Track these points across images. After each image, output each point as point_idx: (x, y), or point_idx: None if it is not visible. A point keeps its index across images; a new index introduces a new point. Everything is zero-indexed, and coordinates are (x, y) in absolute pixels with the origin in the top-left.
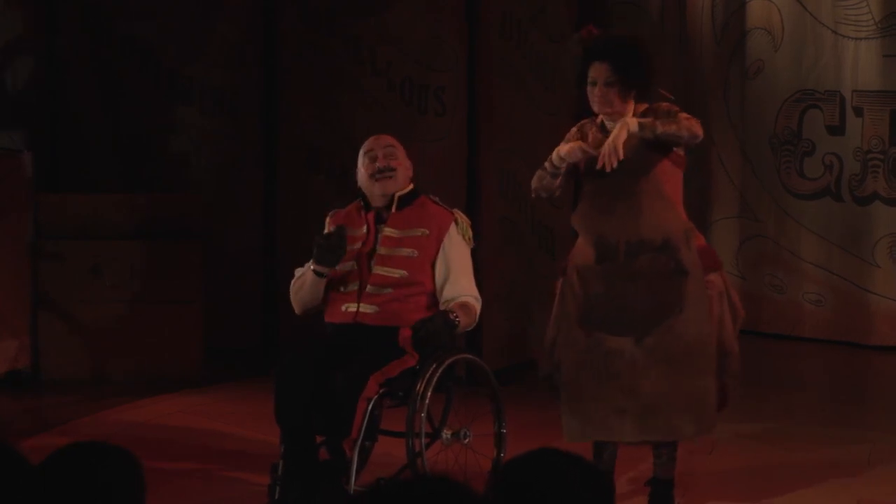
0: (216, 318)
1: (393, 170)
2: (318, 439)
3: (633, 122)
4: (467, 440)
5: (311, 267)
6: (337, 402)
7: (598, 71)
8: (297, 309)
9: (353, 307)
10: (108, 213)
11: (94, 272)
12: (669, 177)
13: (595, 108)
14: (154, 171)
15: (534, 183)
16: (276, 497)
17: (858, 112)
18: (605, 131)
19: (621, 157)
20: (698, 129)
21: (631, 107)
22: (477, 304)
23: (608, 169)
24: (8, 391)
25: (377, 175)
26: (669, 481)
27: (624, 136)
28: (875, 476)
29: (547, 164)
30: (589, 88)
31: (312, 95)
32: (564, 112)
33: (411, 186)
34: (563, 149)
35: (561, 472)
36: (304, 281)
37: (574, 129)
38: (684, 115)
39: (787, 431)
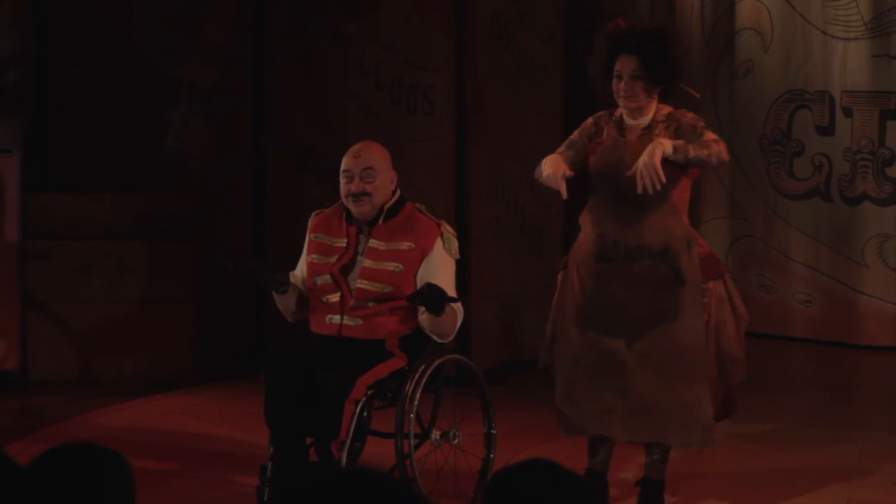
0: (206, 318)
1: (368, 194)
2: (308, 441)
3: (668, 145)
4: (456, 441)
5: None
6: (325, 404)
7: (624, 64)
8: (287, 318)
9: (336, 319)
10: (98, 213)
11: (82, 273)
12: (678, 185)
13: (619, 102)
14: (144, 171)
15: (536, 174)
16: (265, 498)
17: (848, 112)
18: (621, 128)
19: (663, 180)
20: (726, 155)
21: (654, 104)
22: (460, 315)
23: (650, 192)
24: None
25: (351, 198)
26: (660, 482)
27: (659, 158)
28: (864, 475)
29: (537, 171)
30: (614, 82)
31: (303, 96)
32: (555, 112)
33: (398, 195)
34: (546, 170)
35: (549, 487)
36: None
37: (590, 121)
38: (711, 135)
39: (777, 431)
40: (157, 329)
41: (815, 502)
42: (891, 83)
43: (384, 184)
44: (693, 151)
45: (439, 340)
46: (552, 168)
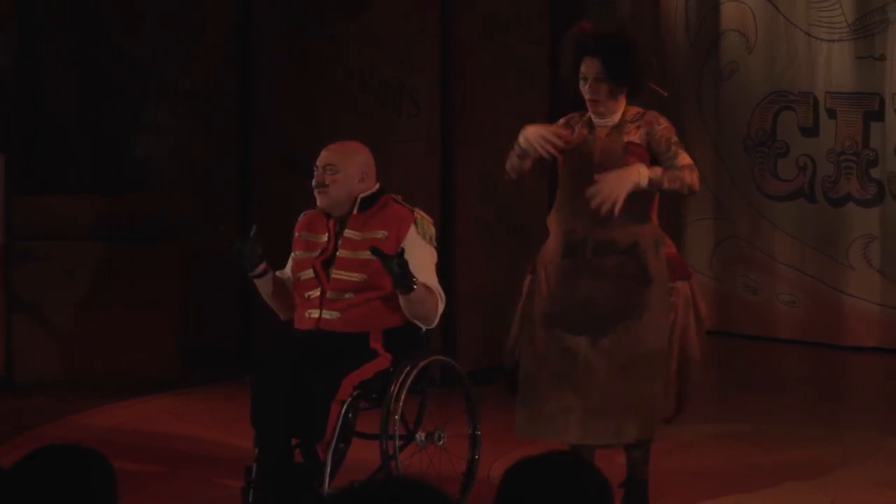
0: (192, 319)
1: (325, 186)
2: (293, 442)
3: (644, 177)
4: (441, 442)
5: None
6: (311, 405)
7: (589, 66)
8: (280, 314)
9: (315, 313)
10: (85, 215)
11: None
12: None
13: (587, 105)
14: (132, 173)
15: (506, 164)
16: (250, 499)
17: (832, 114)
18: (591, 127)
19: (616, 213)
20: (697, 184)
21: (622, 105)
22: (440, 299)
23: (604, 213)
24: None
25: (314, 188)
26: (643, 482)
27: (627, 191)
28: (849, 476)
29: (515, 145)
30: (581, 84)
31: (290, 96)
32: (544, 112)
33: (377, 186)
34: (529, 131)
35: (566, 477)
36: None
37: (562, 121)
38: (686, 159)
39: (762, 431)
40: (146, 330)
41: (800, 501)
42: (874, 84)
43: (345, 179)
44: (668, 184)
45: (423, 326)
46: (531, 127)
